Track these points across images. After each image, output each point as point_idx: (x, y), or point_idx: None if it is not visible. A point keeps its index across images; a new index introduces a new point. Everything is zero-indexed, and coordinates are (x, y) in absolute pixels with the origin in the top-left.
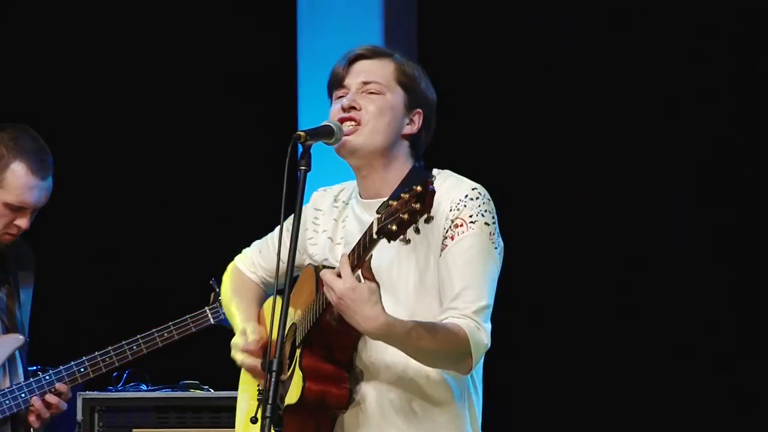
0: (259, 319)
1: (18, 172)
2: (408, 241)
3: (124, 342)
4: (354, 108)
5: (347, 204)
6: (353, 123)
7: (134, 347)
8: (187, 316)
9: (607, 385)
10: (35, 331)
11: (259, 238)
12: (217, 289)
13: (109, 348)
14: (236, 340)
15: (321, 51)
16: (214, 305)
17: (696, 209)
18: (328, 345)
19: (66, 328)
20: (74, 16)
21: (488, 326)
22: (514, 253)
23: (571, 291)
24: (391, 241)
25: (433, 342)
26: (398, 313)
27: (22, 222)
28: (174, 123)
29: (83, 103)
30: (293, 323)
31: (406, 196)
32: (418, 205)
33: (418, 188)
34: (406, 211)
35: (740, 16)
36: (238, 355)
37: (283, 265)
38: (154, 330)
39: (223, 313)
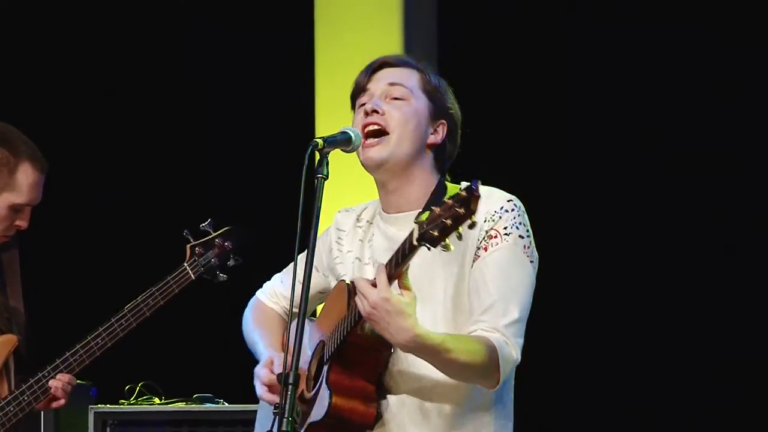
0: (283, 347)
1: (28, 171)
2: (449, 248)
3: (112, 319)
4: (377, 112)
5: (371, 223)
6: (377, 126)
7: (123, 322)
8: (168, 277)
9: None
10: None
11: (277, 247)
12: (192, 240)
13: (99, 329)
14: (260, 370)
15: (338, 58)
16: (192, 259)
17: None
18: (357, 361)
19: (51, 321)
20: (96, 21)
21: (519, 341)
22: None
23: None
24: (432, 249)
25: (462, 355)
26: (435, 326)
27: (23, 222)
28: (188, 131)
29: (99, 111)
30: (321, 340)
31: (450, 201)
32: (462, 210)
33: (463, 193)
34: (449, 216)
35: None
36: (258, 388)
37: (310, 290)
38: (138, 298)
39: (202, 266)
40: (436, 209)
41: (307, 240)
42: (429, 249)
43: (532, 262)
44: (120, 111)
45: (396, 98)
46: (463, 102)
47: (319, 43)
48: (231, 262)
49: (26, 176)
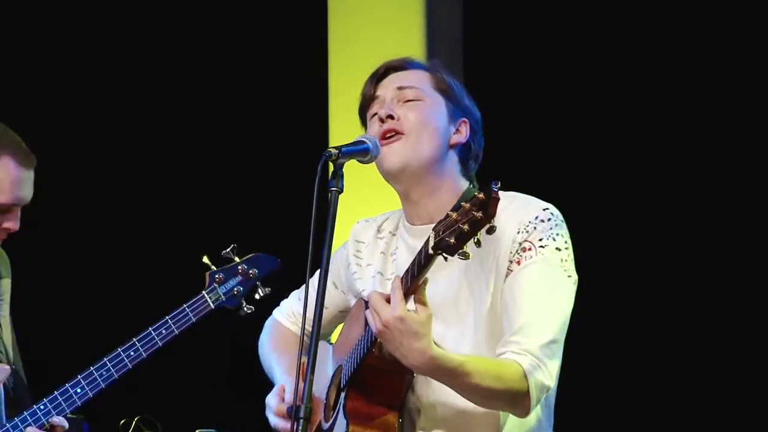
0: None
1: (9, 167)
2: (467, 256)
3: (119, 349)
4: (392, 117)
5: (394, 235)
6: (393, 133)
7: (132, 353)
8: (184, 305)
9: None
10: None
11: (290, 264)
12: (213, 267)
13: (105, 359)
14: (270, 400)
15: (354, 60)
16: (212, 287)
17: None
18: (376, 386)
19: (52, 344)
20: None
21: (553, 364)
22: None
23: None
24: (449, 258)
25: (484, 380)
26: (461, 349)
27: (12, 223)
28: (194, 136)
29: (107, 122)
30: (339, 365)
31: (467, 205)
32: (480, 214)
33: (480, 195)
34: (466, 221)
35: None
36: (271, 417)
37: (324, 311)
38: (150, 329)
39: (224, 294)
40: (452, 214)
41: (320, 258)
42: (446, 259)
43: (570, 277)
44: (127, 119)
45: (409, 100)
46: (491, 106)
47: (332, 44)
48: (260, 293)
49: (7, 173)
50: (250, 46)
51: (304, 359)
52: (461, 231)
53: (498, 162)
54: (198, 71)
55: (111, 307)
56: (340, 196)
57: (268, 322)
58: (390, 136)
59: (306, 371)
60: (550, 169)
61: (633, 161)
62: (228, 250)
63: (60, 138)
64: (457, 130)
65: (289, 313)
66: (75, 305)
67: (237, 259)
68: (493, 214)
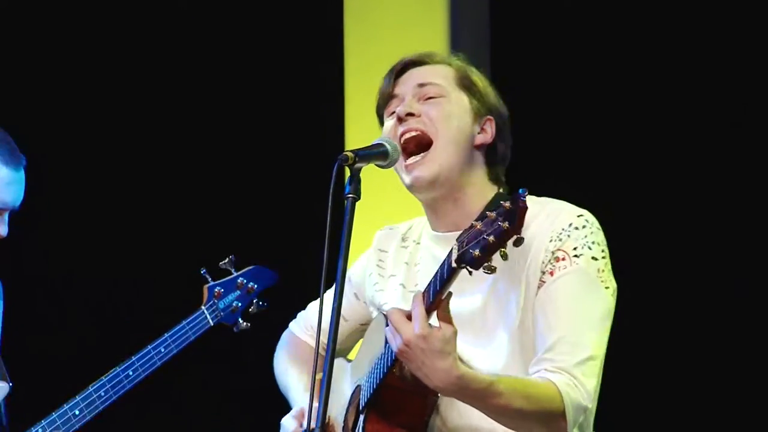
0: (317, 391)
1: None
2: (493, 270)
3: (118, 369)
4: (412, 115)
5: (419, 244)
6: (415, 132)
7: (130, 372)
8: (183, 321)
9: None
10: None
11: (303, 275)
12: (211, 281)
13: (103, 379)
14: (288, 423)
15: (371, 59)
16: (211, 302)
17: None
18: (398, 408)
19: (48, 365)
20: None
21: (591, 382)
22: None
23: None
24: (474, 271)
25: (516, 401)
26: (493, 365)
27: (0, 229)
28: (205, 141)
29: (108, 127)
30: (357, 385)
31: (493, 214)
32: (506, 224)
33: (507, 204)
34: (491, 232)
35: None
36: None
37: (345, 323)
38: (149, 347)
39: (222, 311)
40: (477, 224)
41: (335, 269)
42: (470, 273)
43: (608, 288)
44: (133, 121)
45: (430, 98)
46: (521, 104)
47: (348, 43)
48: (254, 309)
49: None
50: (262, 46)
51: (319, 376)
52: (486, 243)
53: (529, 163)
54: (209, 72)
55: (109, 319)
56: (357, 203)
57: (284, 336)
58: (412, 138)
59: (320, 392)
60: (584, 172)
61: (674, 160)
62: (225, 261)
63: (56, 141)
64: (482, 129)
65: (307, 326)
66: (70, 322)
67: (234, 272)
68: (521, 225)
